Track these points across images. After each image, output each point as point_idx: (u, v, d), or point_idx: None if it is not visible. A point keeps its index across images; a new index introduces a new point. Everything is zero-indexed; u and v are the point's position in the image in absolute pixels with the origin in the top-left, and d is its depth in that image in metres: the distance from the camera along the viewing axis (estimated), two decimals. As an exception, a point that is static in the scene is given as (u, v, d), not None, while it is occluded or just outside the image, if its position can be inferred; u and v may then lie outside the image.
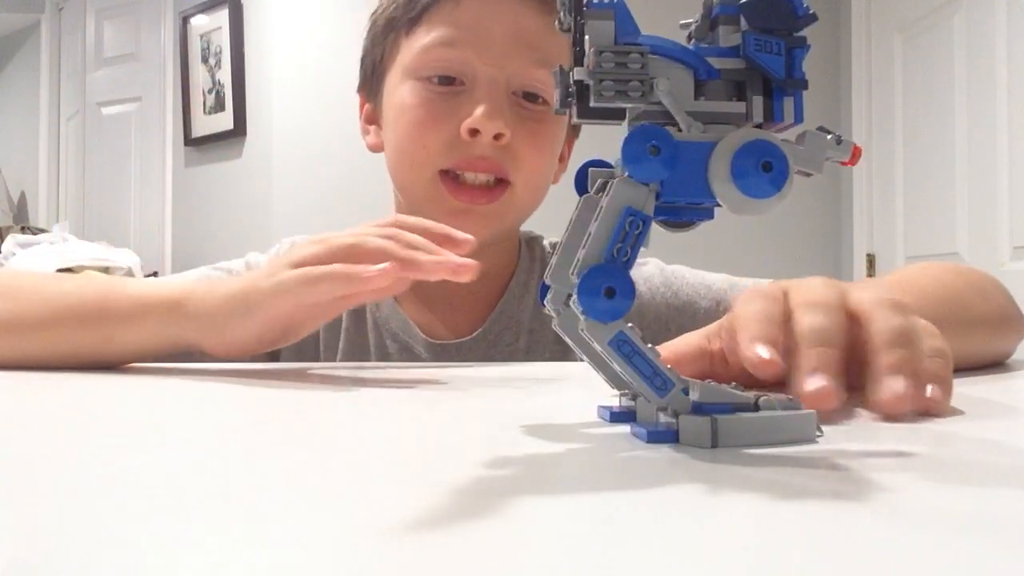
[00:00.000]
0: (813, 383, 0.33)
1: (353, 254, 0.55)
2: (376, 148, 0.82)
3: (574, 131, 0.83)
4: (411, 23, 0.75)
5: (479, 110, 0.71)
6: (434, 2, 0.74)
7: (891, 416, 0.35)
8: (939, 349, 0.37)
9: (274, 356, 0.77)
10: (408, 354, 0.77)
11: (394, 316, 0.78)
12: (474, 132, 0.71)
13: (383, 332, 0.78)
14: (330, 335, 0.79)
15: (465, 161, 0.72)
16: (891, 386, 0.34)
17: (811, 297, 0.38)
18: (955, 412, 0.36)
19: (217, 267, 0.81)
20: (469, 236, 0.57)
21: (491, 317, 0.78)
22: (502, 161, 0.73)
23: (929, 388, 0.35)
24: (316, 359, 0.79)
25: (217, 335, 0.57)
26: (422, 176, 0.74)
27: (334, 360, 0.79)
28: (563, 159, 0.83)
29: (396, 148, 0.77)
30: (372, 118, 0.82)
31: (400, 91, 0.75)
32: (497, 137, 0.71)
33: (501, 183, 0.74)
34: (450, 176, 0.74)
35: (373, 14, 0.80)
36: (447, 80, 0.73)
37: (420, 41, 0.74)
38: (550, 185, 0.80)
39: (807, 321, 0.36)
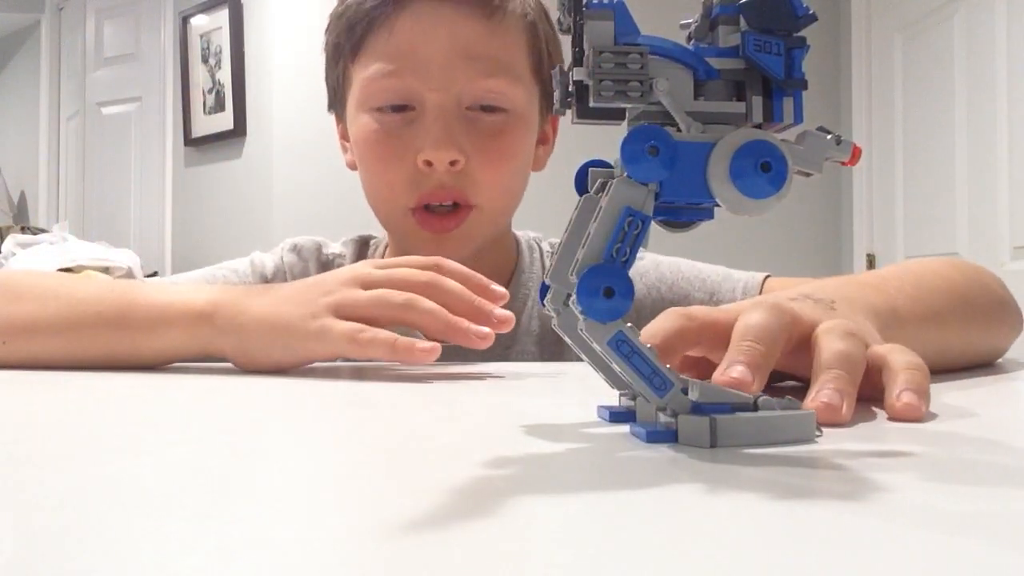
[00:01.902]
0: (823, 395, 0.35)
1: (404, 315, 0.55)
2: (352, 167, 0.82)
3: (550, 109, 0.81)
4: (353, 52, 0.75)
5: (429, 140, 0.71)
6: (369, 31, 0.74)
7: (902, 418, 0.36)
8: (911, 363, 0.38)
9: None
10: None
11: None
12: (428, 163, 0.71)
13: None
14: None
15: (428, 194, 0.73)
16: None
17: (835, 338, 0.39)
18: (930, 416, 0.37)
19: (222, 267, 0.81)
20: (504, 290, 0.58)
21: None
22: (461, 187, 0.73)
23: (902, 377, 0.37)
24: None
25: (248, 356, 0.57)
26: (394, 213, 0.76)
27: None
28: (547, 140, 0.83)
29: (367, 185, 0.78)
30: (346, 136, 0.82)
31: (359, 122, 0.76)
32: (453, 163, 0.72)
33: (464, 206, 0.74)
34: (419, 209, 0.74)
35: (325, 31, 0.80)
36: (399, 107, 0.74)
37: (363, 74, 0.75)
38: (523, 187, 0.80)
39: (835, 347, 0.38)
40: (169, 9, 3.55)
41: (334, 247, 0.85)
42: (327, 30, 0.79)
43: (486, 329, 0.54)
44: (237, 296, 0.59)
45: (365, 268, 0.59)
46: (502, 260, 0.82)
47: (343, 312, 0.55)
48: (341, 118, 0.82)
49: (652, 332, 0.41)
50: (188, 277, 0.81)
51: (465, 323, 0.54)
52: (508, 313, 0.56)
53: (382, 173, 0.75)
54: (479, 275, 0.58)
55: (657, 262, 0.83)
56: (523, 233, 0.86)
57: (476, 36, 0.72)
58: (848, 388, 0.36)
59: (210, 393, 0.47)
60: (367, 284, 0.57)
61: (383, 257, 0.83)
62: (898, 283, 0.54)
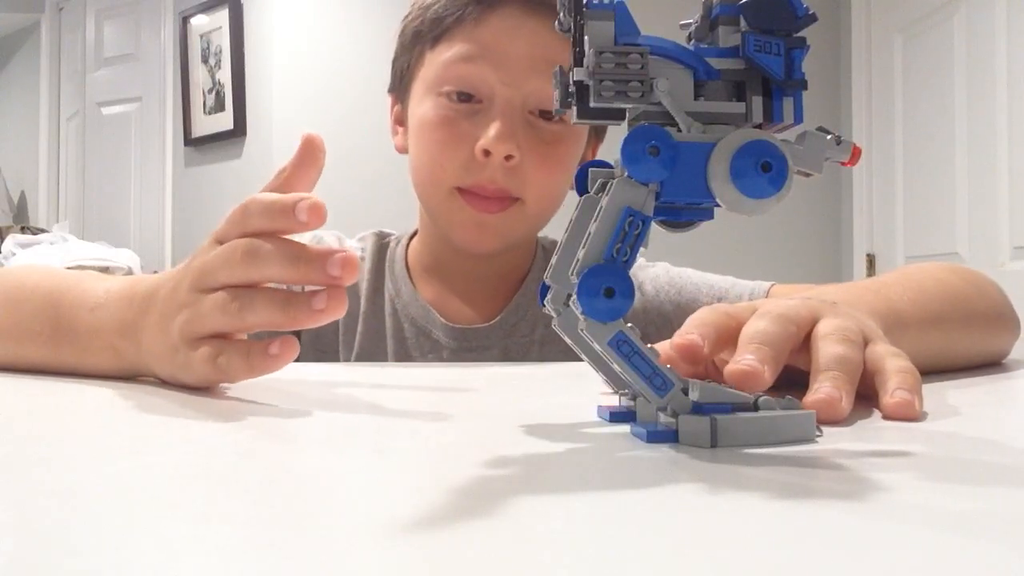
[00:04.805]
0: (822, 391, 0.36)
1: (242, 324, 0.46)
2: (402, 150, 0.84)
3: (598, 135, 0.85)
4: (435, 39, 0.78)
5: (492, 131, 0.73)
6: (457, 21, 0.76)
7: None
8: (903, 367, 0.40)
9: (296, 336, 0.78)
10: (426, 339, 0.79)
11: (414, 303, 0.81)
12: (486, 152, 0.73)
13: (401, 317, 0.81)
14: (349, 319, 0.81)
15: (477, 184, 0.75)
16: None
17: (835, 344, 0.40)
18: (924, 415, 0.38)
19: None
20: (313, 199, 0.45)
21: (507, 309, 0.81)
22: (510, 184, 0.75)
23: (894, 380, 0.38)
24: (335, 343, 0.81)
25: (161, 379, 0.51)
26: (439, 191, 0.77)
27: (352, 342, 0.81)
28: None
29: (417, 162, 0.80)
30: (401, 120, 0.84)
31: (423, 106, 0.78)
32: (508, 158, 0.73)
33: (510, 198, 0.76)
34: (464, 190, 0.76)
35: (404, 19, 0.82)
36: (466, 96, 0.75)
37: (441, 56, 0.77)
38: (562, 200, 0.82)
39: (831, 351, 0.39)
40: (169, 9, 3.55)
41: (350, 241, 0.86)
42: (408, 17, 0.81)
43: (321, 306, 0.44)
44: (135, 319, 0.51)
45: (202, 259, 0.48)
46: (520, 257, 0.84)
47: (196, 335, 0.47)
48: (399, 100, 0.84)
49: (701, 320, 0.41)
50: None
51: (301, 305, 0.44)
52: (346, 255, 0.44)
53: (437, 155, 0.77)
54: (283, 197, 0.46)
55: (667, 269, 0.85)
56: (542, 236, 0.88)
57: (556, 46, 0.74)
58: (846, 386, 0.36)
59: (208, 394, 0.47)
60: (206, 280, 0.47)
61: (406, 253, 0.85)
62: (900, 288, 0.55)
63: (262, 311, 0.45)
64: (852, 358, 0.38)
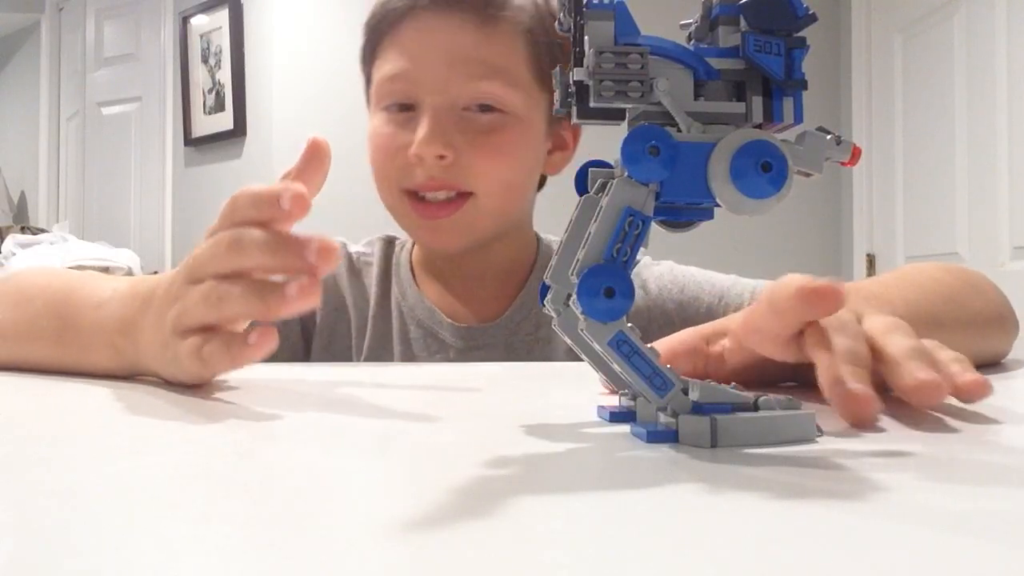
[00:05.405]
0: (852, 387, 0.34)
1: (223, 315, 0.47)
2: None
3: (560, 121, 0.84)
4: (372, 56, 0.81)
5: (418, 135, 0.75)
6: (383, 37, 0.79)
7: (920, 404, 0.36)
8: (957, 355, 0.39)
9: (307, 340, 0.81)
10: (432, 339, 0.80)
11: (419, 305, 0.82)
12: (419, 157, 0.75)
13: (408, 319, 0.82)
14: (359, 323, 0.83)
15: (420, 184, 0.77)
16: (914, 373, 0.35)
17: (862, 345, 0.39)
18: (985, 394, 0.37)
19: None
20: (297, 187, 0.46)
21: (512, 307, 0.81)
22: (453, 178, 0.76)
23: (955, 367, 0.37)
24: (348, 342, 0.82)
25: (170, 378, 0.51)
26: (391, 197, 0.79)
27: (362, 347, 0.82)
28: (566, 146, 0.85)
29: (372, 171, 0.82)
30: None
31: (373, 120, 0.81)
32: (441, 158, 0.75)
33: (462, 195, 0.77)
34: (414, 195, 0.78)
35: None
36: (405, 107, 0.78)
37: (378, 73, 0.80)
38: (530, 184, 0.82)
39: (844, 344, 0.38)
40: (169, 9, 3.55)
41: (357, 247, 0.87)
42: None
43: (293, 293, 0.44)
44: (135, 317, 0.52)
45: (195, 251, 0.49)
46: (522, 255, 0.84)
47: (185, 327, 0.47)
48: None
49: (663, 346, 0.40)
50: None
51: (277, 293, 0.45)
52: (323, 242, 0.44)
53: (380, 165, 0.79)
54: (269, 188, 0.47)
55: (672, 267, 0.85)
56: (547, 235, 0.88)
57: (471, 43, 0.76)
58: (866, 380, 0.35)
59: (207, 394, 0.47)
60: (196, 272, 0.48)
61: (410, 256, 0.86)
62: (898, 290, 0.55)
63: (240, 300, 0.46)
64: (860, 350, 0.38)
